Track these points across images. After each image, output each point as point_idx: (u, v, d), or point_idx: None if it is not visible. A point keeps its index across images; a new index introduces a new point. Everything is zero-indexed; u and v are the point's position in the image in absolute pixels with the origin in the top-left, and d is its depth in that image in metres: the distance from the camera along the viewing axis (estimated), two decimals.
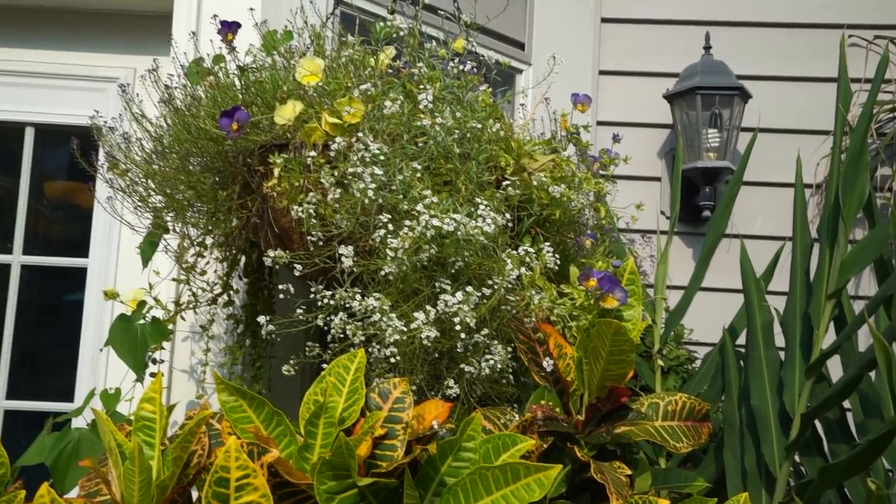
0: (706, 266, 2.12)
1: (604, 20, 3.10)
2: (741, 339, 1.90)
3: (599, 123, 3.02)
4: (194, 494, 1.15)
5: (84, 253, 2.19)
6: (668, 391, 1.70)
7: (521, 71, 2.78)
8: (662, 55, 3.05)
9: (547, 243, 1.46)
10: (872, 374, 1.66)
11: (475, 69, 1.58)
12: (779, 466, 1.63)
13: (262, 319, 1.39)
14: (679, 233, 2.96)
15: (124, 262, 2.13)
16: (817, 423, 1.75)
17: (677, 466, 1.96)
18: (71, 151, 1.72)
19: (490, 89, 1.56)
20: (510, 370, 1.43)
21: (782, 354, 1.76)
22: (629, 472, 1.27)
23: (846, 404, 1.90)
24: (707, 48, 2.94)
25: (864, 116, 1.66)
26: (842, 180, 1.67)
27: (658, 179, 3.01)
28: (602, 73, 3.07)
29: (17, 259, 2.23)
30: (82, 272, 2.19)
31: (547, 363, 1.39)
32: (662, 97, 2.93)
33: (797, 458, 1.77)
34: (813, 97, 2.94)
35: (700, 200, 2.84)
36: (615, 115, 3.03)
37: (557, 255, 1.46)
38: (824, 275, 1.68)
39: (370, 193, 1.30)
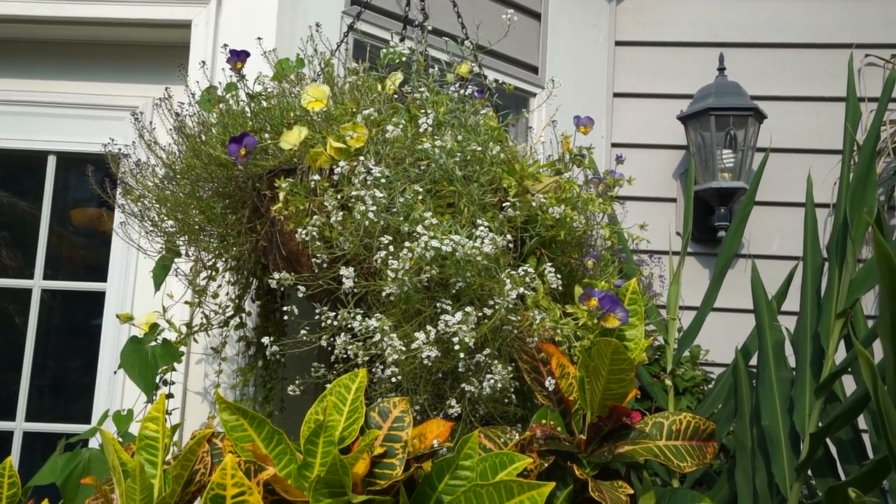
0: (719, 286, 2.11)
1: (618, 43, 3.12)
2: (755, 360, 1.89)
3: (614, 145, 3.03)
4: None
5: (103, 277, 2.24)
6: (675, 411, 1.69)
7: (534, 94, 2.81)
8: (676, 77, 3.06)
9: (549, 264, 1.47)
10: None
11: (480, 92, 1.60)
12: (789, 487, 1.61)
13: (265, 340, 1.41)
14: (695, 253, 2.95)
15: (141, 286, 2.18)
16: (831, 443, 1.74)
17: (691, 488, 1.94)
18: (92, 179, 1.78)
19: (493, 112, 1.59)
20: (512, 390, 1.44)
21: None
22: (630, 491, 1.26)
23: (863, 425, 1.88)
24: (721, 69, 2.95)
25: (871, 136, 1.66)
26: (849, 199, 1.66)
27: (674, 200, 3.01)
28: (616, 95, 3.08)
29: (37, 284, 2.28)
30: (101, 296, 2.23)
31: (549, 383, 1.39)
32: (677, 118, 2.93)
33: (813, 479, 1.75)
34: (829, 117, 2.92)
35: (715, 221, 2.83)
36: (630, 136, 3.05)
37: (560, 276, 1.47)
38: (833, 294, 1.67)
39: (371, 215, 1.33)
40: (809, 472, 1.71)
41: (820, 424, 1.63)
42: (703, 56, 3.03)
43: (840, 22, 3.03)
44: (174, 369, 1.72)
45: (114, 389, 2.14)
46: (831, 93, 2.94)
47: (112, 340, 2.18)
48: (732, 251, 2.07)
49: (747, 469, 1.74)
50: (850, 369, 1.67)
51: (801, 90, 3.00)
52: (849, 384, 1.82)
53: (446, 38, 1.75)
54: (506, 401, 1.44)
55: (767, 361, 1.78)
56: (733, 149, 2.80)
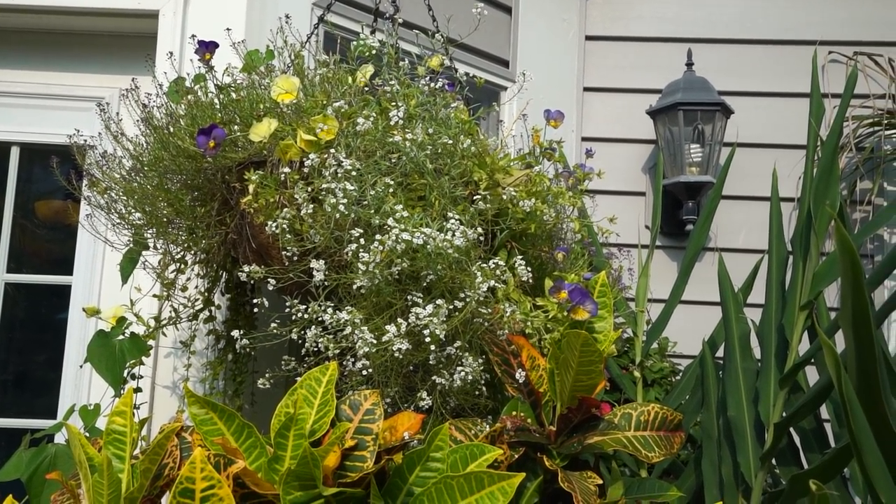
0: (686, 279, 2.14)
1: (588, 38, 3.14)
2: (722, 352, 1.92)
3: (584, 139, 3.05)
4: None
5: (69, 271, 2.21)
6: (643, 402, 1.71)
7: (505, 88, 2.82)
8: (646, 72, 3.09)
9: (520, 257, 1.48)
10: None
11: (451, 86, 1.60)
12: (754, 476, 1.64)
13: (235, 333, 1.40)
14: (663, 247, 2.99)
15: (108, 279, 2.14)
16: (794, 433, 1.77)
17: (659, 478, 1.97)
18: (57, 171, 1.75)
19: (464, 106, 1.59)
20: (483, 382, 1.44)
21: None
22: (599, 481, 1.28)
23: (825, 415, 1.91)
24: (689, 65, 2.98)
25: (834, 131, 1.69)
26: (813, 193, 1.69)
27: (642, 194, 3.04)
28: (587, 89, 3.11)
29: (1, 277, 2.24)
30: (67, 289, 2.20)
31: (519, 375, 1.40)
32: (646, 113, 2.96)
33: (777, 468, 1.78)
34: (795, 112, 2.97)
35: (684, 214, 2.87)
36: (599, 130, 3.07)
37: (530, 269, 1.48)
38: (797, 286, 1.70)
39: (341, 208, 1.32)
40: (774, 461, 1.74)
41: (784, 414, 1.67)
42: (672, 51, 3.07)
43: (805, 19, 3.07)
44: (142, 363, 1.71)
45: (80, 384, 2.11)
46: (797, 89, 2.98)
47: (78, 334, 2.15)
48: (700, 244, 2.10)
49: (713, 459, 1.77)
50: (813, 360, 1.71)
51: (768, 86, 3.05)
52: (812, 375, 1.86)
53: (417, 31, 1.75)
54: (476, 393, 1.45)
55: (733, 353, 1.81)
56: (701, 143, 2.84)
